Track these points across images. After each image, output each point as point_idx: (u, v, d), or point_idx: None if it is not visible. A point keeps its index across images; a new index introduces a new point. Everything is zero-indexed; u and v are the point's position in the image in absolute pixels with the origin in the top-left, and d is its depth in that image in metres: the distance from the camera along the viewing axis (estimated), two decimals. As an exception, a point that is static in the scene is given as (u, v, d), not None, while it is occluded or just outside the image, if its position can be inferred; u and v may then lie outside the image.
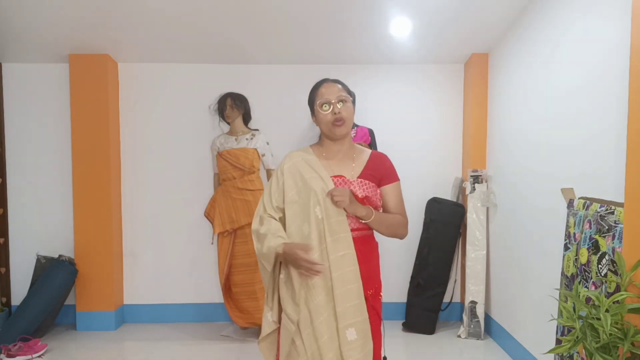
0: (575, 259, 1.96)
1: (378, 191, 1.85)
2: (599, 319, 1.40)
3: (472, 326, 3.53)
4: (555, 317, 1.91)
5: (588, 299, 1.69)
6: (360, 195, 1.78)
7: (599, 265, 1.76)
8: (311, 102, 1.85)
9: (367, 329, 1.76)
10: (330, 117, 1.78)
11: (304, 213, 1.77)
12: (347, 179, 1.80)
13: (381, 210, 1.89)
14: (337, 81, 1.86)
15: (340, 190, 1.72)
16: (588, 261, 1.84)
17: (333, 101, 1.78)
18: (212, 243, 3.73)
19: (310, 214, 1.75)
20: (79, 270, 3.63)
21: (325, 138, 1.86)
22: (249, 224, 3.20)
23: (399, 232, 1.88)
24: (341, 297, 1.71)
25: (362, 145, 3.46)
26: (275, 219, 1.83)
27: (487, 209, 3.58)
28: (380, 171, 1.87)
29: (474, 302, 3.53)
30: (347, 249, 1.75)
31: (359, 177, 1.82)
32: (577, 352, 1.82)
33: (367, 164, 1.86)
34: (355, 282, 1.74)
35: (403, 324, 3.76)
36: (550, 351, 1.58)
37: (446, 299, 3.82)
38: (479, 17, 3.11)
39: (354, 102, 1.92)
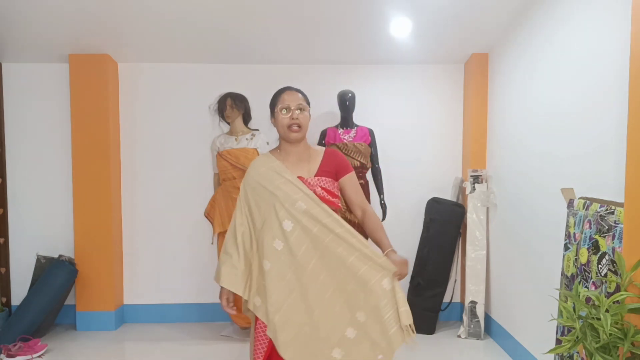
0: (575, 259, 1.96)
1: (336, 184, 2.06)
2: (599, 319, 1.40)
3: (472, 326, 3.53)
4: (555, 317, 1.91)
5: (588, 299, 1.69)
6: (319, 193, 1.95)
7: (599, 265, 1.76)
8: (272, 105, 2.03)
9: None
10: (288, 122, 1.96)
11: (271, 229, 1.92)
12: (306, 178, 1.97)
13: (339, 199, 2.07)
14: (298, 90, 2.04)
15: (401, 266, 1.97)
16: (588, 261, 1.84)
17: (292, 107, 1.96)
18: (212, 243, 3.73)
19: (279, 227, 1.91)
20: (79, 270, 3.63)
21: (282, 142, 2.04)
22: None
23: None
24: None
25: (360, 145, 3.47)
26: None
27: (487, 209, 3.58)
28: (334, 165, 2.05)
29: (474, 302, 3.53)
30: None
31: (316, 174, 2.00)
32: (577, 352, 1.82)
33: (322, 162, 2.04)
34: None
35: (403, 324, 3.75)
36: (550, 351, 1.58)
37: (446, 299, 3.82)
38: (479, 17, 3.11)
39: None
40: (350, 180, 2.08)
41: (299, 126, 1.96)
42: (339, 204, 2.05)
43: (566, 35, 2.41)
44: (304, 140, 2.03)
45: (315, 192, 1.93)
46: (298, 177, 1.96)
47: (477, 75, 3.64)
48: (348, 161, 2.13)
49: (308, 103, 2.03)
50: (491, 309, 3.54)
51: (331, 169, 2.04)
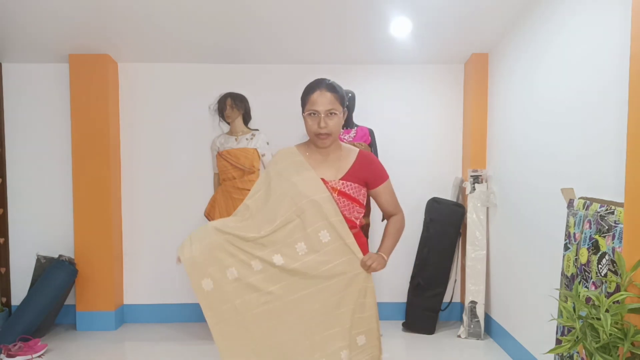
0: (575, 259, 1.96)
1: (362, 191, 1.90)
2: (599, 319, 1.40)
3: (472, 326, 3.52)
4: (555, 317, 1.91)
5: (588, 299, 1.69)
6: (336, 199, 1.82)
7: (599, 265, 1.76)
8: (302, 103, 1.86)
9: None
10: (315, 129, 1.80)
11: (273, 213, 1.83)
12: (327, 181, 1.83)
13: (363, 210, 1.94)
14: (331, 88, 1.82)
15: (375, 260, 1.83)
16: (588, 261, 1.84)
17: (322, 115, 1.78)
18: (212, 243, 3.73)
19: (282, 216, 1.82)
20: (79, 270, 3.63)
21: (311, 142, 1.90)
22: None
23: (402, 231, 2.02)
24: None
25: (360, 145, 3.47)
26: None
27: (487, 209, 3.58)
28: (367, 173, 1.89)
29: (474, 302, 3.53)
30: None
31: (342, 178, 1.85)
32: (577, 352, 1.82)
33: (354, 166, 1.88)
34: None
35: (403, 324, 3.76)
36: (550, 351, 1.58)
37: (446, 299, 3.82)
38: (479, 17, 3.11)
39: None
40: (385, 190, 1.94)
41: (328, 134, 1.79)
42: (355, 221, 1.90)
43: (566, 35, 2.41)
44: (335, 142, 1.88)
45: (333, 197, 1.82)
46: (321, 178, 1.83)
47: (477, 75, 3.64)
48: (384, 168, 1.96)
49: (342, 103, 1.83)
50: (491, 309, 3.54)
51: (362, 176, 1.88)
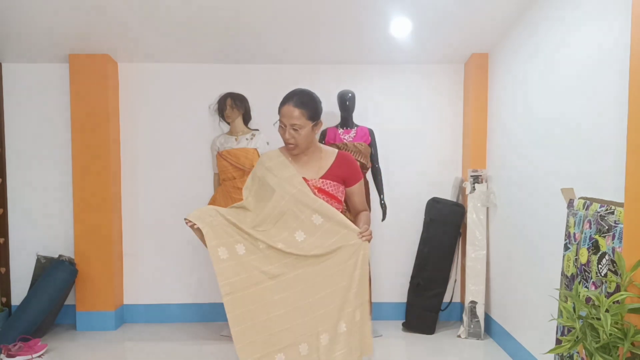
0: (575, 259, 1.96)
1: (341, 188, 2.07)
2: (599, 319, 1.40)
3: (472, 326, 3.52)
4: (555, 317, 1.91)
5: (588, 299, 1.69)
6: (318, 196, 1.97)
7: (599, 265, 1.76)
8: (278, 111, 2.00)
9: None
10: (285, 138, 1.97)
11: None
12: (308, 179, 1.99)
13: (341, 206, 2.10)
14: (299, 104, 1.94)
15: (368, 229, 1.98)
16: (588, 261, 1.84)
17: (287, 127, 1.94)
18: (212, 243, 3.73)
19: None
20: (79, 270, 3.63)
21: None
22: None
23: None
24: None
25: (360, 145, 3.47)
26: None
27: (487, 209, 3.58)
28: (345, 172, 2.06)
29: (474, 302, 3.53)
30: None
31: (322, 177, 2.02)
32: (577, 352, 1.82)
33: (333, 165, 2.05)
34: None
35: (403, 324, 3.76)
36: (550, 351, 1.58)
37: (446, 299, 3.82)
38: (479, 17, 3.11)
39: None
40: (358, 189, 2.11)
41: (295, 145, 1.97)
42: (340, 208, 2.07)
43: (566, 34, 2.41)
44: (311, 145, 2.03)
45: (315, 194, 1.98)
46: (303, 177, 1.98)
47: (477, 75, 3.64)
48: (359, 168, 2.14)
49: (312, 117, 1.97)
50: (491, 309, 3.54)
51: (340, 174, 2.05)
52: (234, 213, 2.00)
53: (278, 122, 1.99)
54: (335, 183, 2.03)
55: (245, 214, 2.01)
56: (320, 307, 1.92)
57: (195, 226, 1.91)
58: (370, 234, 1.98)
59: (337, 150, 2.12)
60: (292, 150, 1.99)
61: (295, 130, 1.94)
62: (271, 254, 1.94)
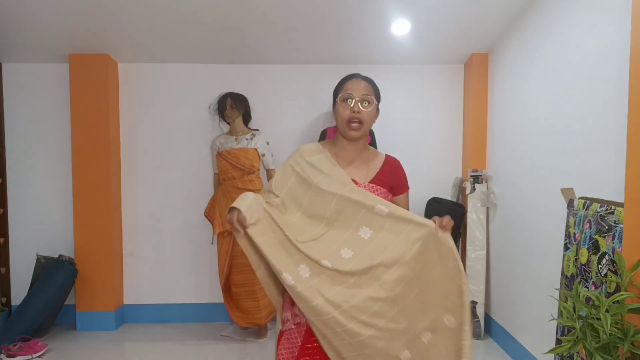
0: (575, 259, 1.96)
1: (389, 197, 1.80)
2: (599, 319, 1.40)
3: (472, 326, 3.52)
4: (555, 317, 1.91)
5: (588, 299, 1.69)
6: None
7: (599, 265, 1.76)
8: (335, 94, 1.78)
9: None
10: (348, 114, 1.70)
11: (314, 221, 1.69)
12: (359, 182, 1.74)
13: None
14: (367, 78, 1.76)
15: (448, 220, 1.64)
16: (588, 261, 1.84)
17: (356, 98, 1.69)
18: (212, 243, 3.73)
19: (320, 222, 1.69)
20: (79, 270, 3.62)
21: (340, 136, 1.79)
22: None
23: None
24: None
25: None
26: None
27: (487, 209, 3.58)
28: (393, 179, 1.81)
29: (474, 302, 3.53)
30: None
31: (371, 181, 1.76)
32: (577, 352, 1.82)
33: (381, 169, 1.80)
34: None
35: (403, 324, 3.75)
36: (550, 351, 1.58)
37: (446, 299, 3.81)
38: (479, 17, 3.11)
39: (378, 107, 1.81)
40: (403, 201, 1.84)
41: (360, 122, 1.70)
42: None
43: (566, 34, 2.41)
44: (364, 138, 1.78)
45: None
46: (352, 179, 1.72)
47: (477, 75, 3.64)
48: (406, 177, 1.88)
49: (377, 96, 1.76)
50: (491, 309, 3.54)
51: (388, 181, 1.79)
52: (282, 219, 1.67)
53: (336, 103, 1.73)
54: (384, 190, 1.77)
55: (286, 217, 1.70)
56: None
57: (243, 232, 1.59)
58: (449, 222, 1.63)
59: (384, 153, 1.86)
60: (356, 130, 1.70)
61: (366, 103, 1.69)
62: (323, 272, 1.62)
